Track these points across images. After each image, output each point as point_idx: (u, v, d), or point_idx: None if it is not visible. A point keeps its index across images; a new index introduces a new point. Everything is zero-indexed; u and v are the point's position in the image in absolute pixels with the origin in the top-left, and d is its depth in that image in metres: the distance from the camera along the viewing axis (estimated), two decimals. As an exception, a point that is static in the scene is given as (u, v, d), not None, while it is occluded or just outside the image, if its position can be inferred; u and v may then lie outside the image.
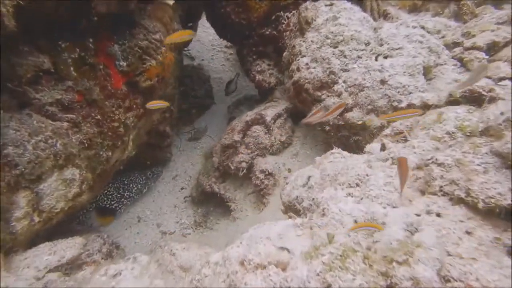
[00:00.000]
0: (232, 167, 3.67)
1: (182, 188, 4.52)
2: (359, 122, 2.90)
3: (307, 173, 2.26)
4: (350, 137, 3.09)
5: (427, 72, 2.61)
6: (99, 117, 2.21)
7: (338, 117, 3.01)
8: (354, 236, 1.36)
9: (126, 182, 3.78)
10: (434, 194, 1.42)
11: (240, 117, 4.01)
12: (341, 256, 1.09)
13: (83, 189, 2.13)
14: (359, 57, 2.84)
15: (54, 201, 1.93)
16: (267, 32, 4.21)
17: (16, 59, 1.79)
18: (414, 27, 2.69)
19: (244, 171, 3.68)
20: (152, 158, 4.04)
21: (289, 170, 3.68)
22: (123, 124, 2.38)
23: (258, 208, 3.70)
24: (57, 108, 2.01)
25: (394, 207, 1.50)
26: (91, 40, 2.16)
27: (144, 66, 2.43)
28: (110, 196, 3.68)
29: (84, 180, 2.13)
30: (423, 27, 2.71)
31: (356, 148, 3.13)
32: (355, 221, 1.49)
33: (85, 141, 2.12)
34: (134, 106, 2.50)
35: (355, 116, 2.92)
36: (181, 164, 4.89)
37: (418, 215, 1.35)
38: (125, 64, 2.34)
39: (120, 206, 3.77)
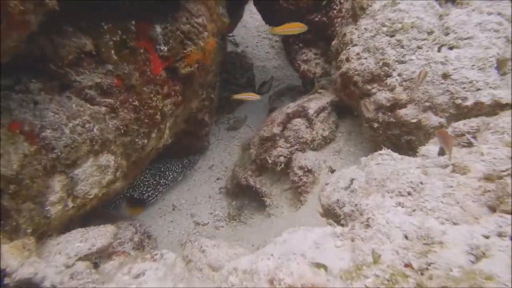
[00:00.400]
0: (270, 161, 3.57)
1: (217, 179, 4.51)
2: (414, 120, 2.65)
3: (350, 175, 2.10)
4: (402, 136, 2.85)
5: (502, 66, 2.31)
6: (136, 103, 2.19)
7: (389, 113, 2.79)
8: (404, 254, 1.21)
9: (162, 169, 3.82)
10: (509, 212, 1.22)
11: (281, 109, 3.88)
12: (388, 281, 0.95)
13: (117, 176, 2.13)
14: (419, 47, 2.58)
15: (89, 187, 1.95)
16: (317, 19, 4.01)
17: (59, 39, 1.80)
18: (490, 14, 2.37)
19: (282, 165, 3.56)
20: (189, 146, 4.05)
21: (330, 168, 3.51)
22: (160, 111, 2.35)
23: (294, 205, 3.58)
24: (96, 92, 2.01)
25: (454, 223, 1.31)
26: (133, 22, 2.14)
27: (185, 51, 2.37)
28: (146, 183, 3.75)
29: (119, 167, 2.14)
30: (500, 14, 2.38)
31: (408, 149, 2.89)
32: (405, 237, 1.33)
33: (121, 127, 2.12)
34: (173, 93, 2.46)
35: (409, 113, 2.67)
36: (218, 154, 4.88)
37: (486, 236, 1.16)
38: (165, 48, 2.29)
39: (155, 193, 3.82)
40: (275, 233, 3.53)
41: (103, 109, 2.04)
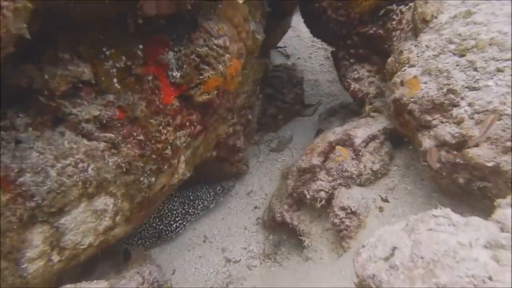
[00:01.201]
0: (308, 196, 3.18)
1: (255, 207, 4.22)
2: (490, 164, 2.09)
3: (392, 240, 1.65)
4: (473, 182, 2.29)
5: None
6: (141, 137, 1.99)
7: (454, 152, 2.25)
8: None
9: (192, 197, 3.63)
10: None
11: (324, 134, 3.48)
12: None
13: (117, 221, 1.94)
14: (499, 70, 2.04)
15: (80, 236, 1.78)
16: (371, 31, 3.56)
17: (49, 68, 1.66)
18: None
19: (323, 202, 3.15)
20: (220, 172, 3.81)
21: (381, 209, 3.01)
22: (171, 145, 2.13)
23: (336, 251, 3.13)
24: (94, 126, 1.85)
25: None
26: (140, 46, 1.95)
27: (201, 77, 2.13)
28: (174, 212, 3.58)
29: (119, 210, 1.94)
30: None
31: (482, 197, 2.32)
32: None
33: (123, 164, 1.93)
34: (187, 123, 2.23)
35: (483, 154, 2.12)
36: (258, 179, 4.59)
37: None
38: (178, 74, 2.08)
39: (184, 223, 3.64)
40: (311, 279, 3.13)
41: (102, 145, 1.86)
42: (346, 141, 3.13)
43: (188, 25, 2.15)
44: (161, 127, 2.08)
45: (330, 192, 3.13)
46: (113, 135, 1.90)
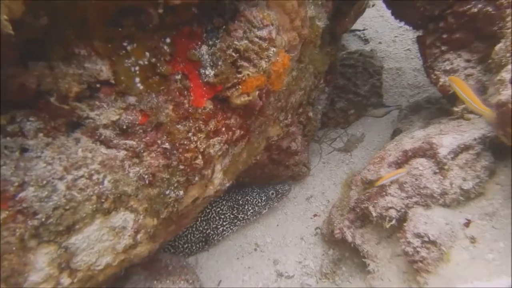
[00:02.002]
0: (374, 213, 2.74)
1: (315, 215, 3.85)
2: None
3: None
4: None
5: None
6: (167, 145, 1.77)
7: None
8: None
9: (241, 202, 3.40)
10: None
11: (400, 139, 2.95)
12: None
13: (139, 240, 1.77)
14: None
15: (95, 256, 1.63)
16: (475, 9, 2.88)
17: (61, 67, 1.50)
18: None
19: (393, 222, 2.67)
20: (275, 176, 3.51)
21: (473, 240, 2.45)
22: (203, 153, 1.89)
23: (408, 284, 2.64)
24: (113, 132, 1.67)
25: None
26: (167, 40, 1.71)
27: (239, 76, 1.83)
28: (222, 216, 3.40)
29: (141, 227, 1.76)
30: None
31: None
32: None
33: (145, 176, 1.73)
34: (223, 129, 1.96)
35: None
36: (320, 182, 4.19)
37: None
38: (212, 73, 1.80)
39: (232, 227, 3.45)
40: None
41: (122, 153, 1.68)
42: (427, 151, 2.59)
43: (226, 14, 1.85)
44: (190, 134, 1.84)
45: (403, 211, 2.64)
46: (134, 143, 1.71)
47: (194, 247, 3.39)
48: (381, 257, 2.89)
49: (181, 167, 1.86)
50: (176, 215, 1.97)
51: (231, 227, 3.44)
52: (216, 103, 1.92)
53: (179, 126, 1.81)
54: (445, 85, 3.05)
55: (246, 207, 3.39)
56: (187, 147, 1.85)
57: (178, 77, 1.79)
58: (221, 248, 3.60)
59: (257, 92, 1.95)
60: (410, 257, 2.46)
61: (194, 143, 1.87)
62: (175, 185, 1.86)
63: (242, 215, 3.41)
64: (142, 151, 1.74)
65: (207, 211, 3.38)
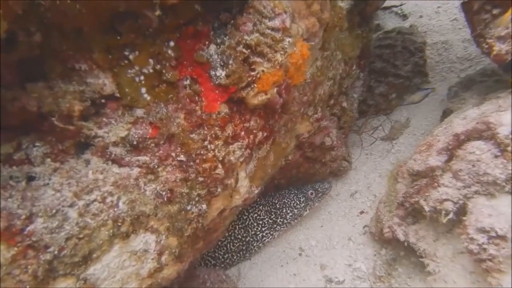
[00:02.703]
0: (427, 208, 2.47)
1: (361, 212, 3.61)
2: None
3: None
4: None
5: None
6: (182, 157, 1.67)
7: None
8: None
9: (278, 206, 3.25)
10: None
11: (449, 121, 2.65)
12: None
13: (165, 262, 1.68)
14: None
15: (118, 284, 1.57)
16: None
17: (60, 85, 1.45)
18: None
19: (450, 216, 2.39)
20: (310, 175, 3.32)
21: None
22: (223, 162, 1.77)
23: (477, 285, 2.34)
24: (124, 149, 1.60)
25: None
26: (171, 43, 1.61)
27: (253, 73, 1.69)
28: (260, 222, 3.27)
29: (165, 248, 1.68)
30: None
31: None
32: None
33: (163, 193, 1.64)
34: (243, 133, 1.83)
35: None
36: (364, 175, 3.94)
37: None
38: (223, 74, 1.68)
39: (272, 232, 3.31)
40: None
41: (135, 171, 1.60)
42: (484, 132, 2.28)
43: (234, 8, 1.72)
44: (206, 142, 1.72)
45: (461, 202, 2.35)
46: (148, 158, 1.62)
47: (235, 257, 3.29)
48: (441, 256, 2.61)
49: (201, 179, 1.74)
50: (202, 231, 1.87)
51: (271, 232, 3.30)
52: (232, 105, 1.79)
53: (193, 135, 1.70)
54: (500, 53, 2.69)
55: (284, 210, 3.23)
56: (204, 157, 1.73)
57: (187, 82, 1.67)
58: (263, 256, 3.46)
59: (275, 89, 1.79)
60: (476, 256, 2.18)
61: (211, 151, 1.75)
62: (196, 199, 1.75)
63: (281, 219, 3.26)
64: (156, 166, 1.65)
65: (244, 217, 3.27)
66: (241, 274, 3.28)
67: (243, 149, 1.87)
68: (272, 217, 3.26)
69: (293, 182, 3.40)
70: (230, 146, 1.82)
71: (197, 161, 1.72)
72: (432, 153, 2.44)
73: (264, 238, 3.29)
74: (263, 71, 1.71)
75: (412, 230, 2.74)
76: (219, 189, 1.83)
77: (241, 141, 1.85)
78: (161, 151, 1.65)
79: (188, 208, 1.73)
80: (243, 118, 1.84)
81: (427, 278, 2.65)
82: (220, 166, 1.79)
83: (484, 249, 2.13)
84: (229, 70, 1.68)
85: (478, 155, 2.26)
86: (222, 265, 3.28)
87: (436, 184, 2.42)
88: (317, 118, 2.62)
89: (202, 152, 1.72)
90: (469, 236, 2.16)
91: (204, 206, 1.79)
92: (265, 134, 2.00)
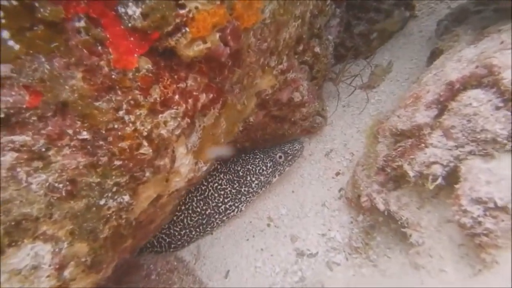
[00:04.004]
0: (412, 173, 2.17)
1: (337, 173, 3.31)
2: None
3: None
4: None
5: None
6: (85, 134, 1.23)
7: None
8: None
9: (241, 173, 2.89)
10: None
11: (441, 64, 2.28)
12: None
13: (71, 276, 1.30)
14: None
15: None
16: None
17: None
18: None
19: (439, 181, 2.10)
20: (279, 136, 2.94)
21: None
22: (149, 138, 1.34)
23: (468, 262, 2.12)
24: (-6, 128, 1.13)
25: None
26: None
27: (182, 11, 1.22)
28: (222, 192, 2.92)
29: (68, 259, 1.28)
30: None
31: None
32: None
33: (59, 185, 1.22)
34: (177, 96, 1.39)
35: None
36: (341, 131, 3.60)
37: None
38: (138, 12, 1.20)
39: (237, 204, 2.98)
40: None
41: (9, 157, 1.16)
42: (484, 78, 1.92)
43: None
44: (122, 113, 1.28)
45: (452, 165, 2.05)
46: (28, 138, 1.17)
47: (193, 232, 2.97)
48: (426, 225, 2.36)
49: (117, 162, 1.32)
50: (128, 228, 1.48)
51: (236, 204, 2.97)
52: (158, 59, 1.33)
53: (100, 103, 1.24)
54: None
55: (249, 178, 2.88)
56: (120, 133, 1.29)
57: (81, 24, 1.18)
58: (227, 229, 3.15)
59: (217, 35, 1.33)
60: (469, 230, 1.92)
61: (131, 125, 1.31)
62: (114, 189, 1.34)
63: (246, 189, 2.91)
64: (44, 149, 1.21)
65: (203, 188, 2.91)
66: (200, 252, 2.99)
67: (179, 119, 1.44)
68: (235, 186, 2.91)
69: (259, 145, 3.02)
70: (160, 116, 1.38)
71: (110, 139, 1.28)
72: (419, 107, 2.09)
73: (228, 211, 2.97)
74: (196, 8, 1.24)
75: (394, 196, 2.45)
76: (147, 174, 1.42)
77: (175, 107, 1.42)
78: (49, 128, 1.20)
79: (102, 202, 1.32)
80: (176, 77, 1.39)
81: (410, 250, 2.42)
82: (146, 143, 1.36)
83: (479, 223, 1.86)
84: (146, 7, 1.20)
85: (476, 108, 1.92)
86: (179, 243, 2.97)
87: (423, 144, 2.10)
88: (282, 70, 2.18)
89: (116, 126, 1.29)
90: (462, 208, 1.87)
91: (126, 197, 1.39)
92: (210, 95, 1.57)
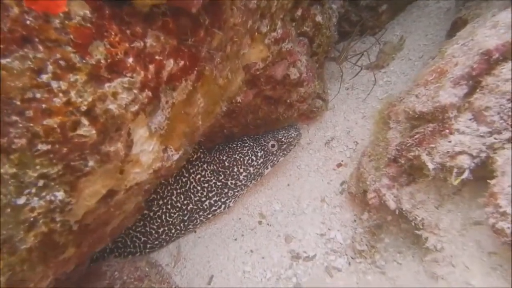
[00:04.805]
0: (431, 165, 1.85)
1: (339, 165, 3.02)
2: None
3: None
4: None
5: None
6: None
7: None
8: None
9: (227, 164, 2.56)
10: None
11: (471, 35, 1.95)
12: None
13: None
14: None
15: None
16: None
17: None
18: None
19: (466, 175, 1.79)
20: (272, 121, 2.61)
21: None
22: (90, 114, 1.01)
23: (503, 277, 1.80)
24: None
25: None
26: None
27: None
28: (206, 185, 2.60)
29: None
30: None
31: None
32: None
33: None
34: (131, 60, 1.06)
35: None
36: (343, 117, 3.31)
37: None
38: None
39: (224, 199, 2.66)
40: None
41: None
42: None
43: None
44: (46, 77, 0.94)
45: (483, 156, 1.74)
46: None
47: (173, 230, 2.66)
48: (446, 228, 2.07)
49: (43, 147, 0.99)
50: (67, 234, 1.15)
51: (222, 199, 2.65)
52: (100, 5, 0.99)
53: (9, 60, 0.90)
54: None
55: (236, 169, 2.55)
56: (45, 106, 0.96)
57: None
58: (212, 226, 2.85)
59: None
60: (507, 238, 1.60)
61: (61, 95, 0.97)
62: (39, 184, 1.01)
63: (233, 181, 2.59)
64: None
65: (184, 180, 2.59)
66: (180, 253, 2.67)
67: (135, 90, 1.11)
68: (220, 178, 2.59)
69: (250, 130, 2.69)
70: (107, 85, 1.05)
71: (29, 113, 0.95)
72: (444, 84, 1.77)
73: (214, 208, 2.65)
74: None
75: (407, 193, 2.15)
76: (91, 163, 1.09)
77: (128, 75, 1.08)
78: None
79: (21, 201, 0.99)
80: (128, 32, 1.05)
81: (425, 257, 2.13)
82: (86, 121, 1.03)
83: (517, 224, 1.56)
84: None
85: (516, 83, 1.61)
86: (156, 242, 2.65)
87: (447, 130, 1.78)
88: (276, 38, 1.82)
89: (38, 95, 0.95)
90: (500, 209, 1.57)
91: (60, 194, 1.05)
92: (181, 63, 1.23)
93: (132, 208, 1.50)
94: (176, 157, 1.45)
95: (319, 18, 2.37)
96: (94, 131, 1.05)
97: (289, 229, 2.70)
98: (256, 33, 1.74)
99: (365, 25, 3.57)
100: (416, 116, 1.92)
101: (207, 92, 1.49)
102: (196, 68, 1.35)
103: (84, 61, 0.99)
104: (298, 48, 2.21)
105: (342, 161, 3.01)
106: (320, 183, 2.94)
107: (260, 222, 2.82)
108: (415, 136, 1.91)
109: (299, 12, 2.12)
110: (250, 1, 1.53)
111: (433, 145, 1.83)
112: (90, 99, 1.02)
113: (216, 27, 1.36)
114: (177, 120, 1.41)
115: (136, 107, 1.15)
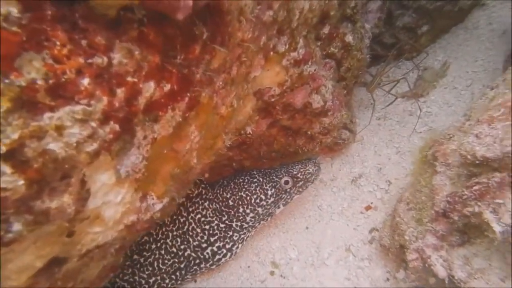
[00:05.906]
0: (497, 226, 1.49)
1: (368, 208, 2.65)
2: None
3: None
4: None
5: None
6: None
7: None
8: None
9: (231, 203, 2.23)
10: None
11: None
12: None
13: None
14: None
15: None
16: None
17: None
18: None
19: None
20: (290, 154, 2.28)
21: None
22: (16, 158, 0.71)
23: None
24: None
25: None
26: None
27: None
28: (207, 227, 2.29)
29: None
30: None
31: None
32: None
33: None
34: (86, 80, 0.76)
35: None
36: (374, 151, 2.95)
37: None
38: None
39: (228, 245, 2.33)
40: None
41: None
42: None
43: None
44: None
45: None
46: None
47: (167, 280, 2.33)
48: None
49: None
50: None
51: (226, 245, 2.32)
52: (38, 2, 0.71)
53: None
54: None
55: (242, 209, 2.22)
56: None
57: None
58: (215, 275, 2.52)
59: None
60: None
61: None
62: None
63: (238, 223, 2.26)
64: None
65: (182, 220, 2.28)
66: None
67: (93, 123, 0.81)
68: (224, 219, 2.26)
69: (263, 164, 2.38)
70: (46, 116, 0.76)
71: None
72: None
73: (217, 256, 2.32)
74: None
75: (460, 256, 1.77)
76: (16, 226, 0.79)
77: (84, 102, 0.79)
78: None
79: None
80: (84, 43, 0.77)
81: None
82: (7, 168, 0.73)
83: None
84: None
85: None
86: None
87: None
88: (297, 59, 1.51)
89: None
90: None
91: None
92: (167, 86, 0.95)
93: (95, 274, 1.18)
94: (158, 206, 1.15)
95: (349, 38, 2.07)
96: (21, 182, 0.75)
97: (307, 284, 2.35)
98: (272, 52, 1.45)
99: (400, 47, 3.25)
100: (477, 162, 1.56)
101: (204, 124, 1.19)
102: (188, 94, 1.05)
103: (7, 81, 0.69)
104: (323, 72, 1.91)
105: (371, 203, 2.69)
106: (344, 228, 2.64)
107: (272, 273, 2.51)
108: (475, 187, 1.57)
109: (325, 30, 1.82)
110: (265, 13, 1.23)
111: (500, 201, 1.47)
112: (15, 136, 0.72)
113: (217, 42, 1.06)
114: (161, 160, 1.11)
115: (95, 145, 0.85)
